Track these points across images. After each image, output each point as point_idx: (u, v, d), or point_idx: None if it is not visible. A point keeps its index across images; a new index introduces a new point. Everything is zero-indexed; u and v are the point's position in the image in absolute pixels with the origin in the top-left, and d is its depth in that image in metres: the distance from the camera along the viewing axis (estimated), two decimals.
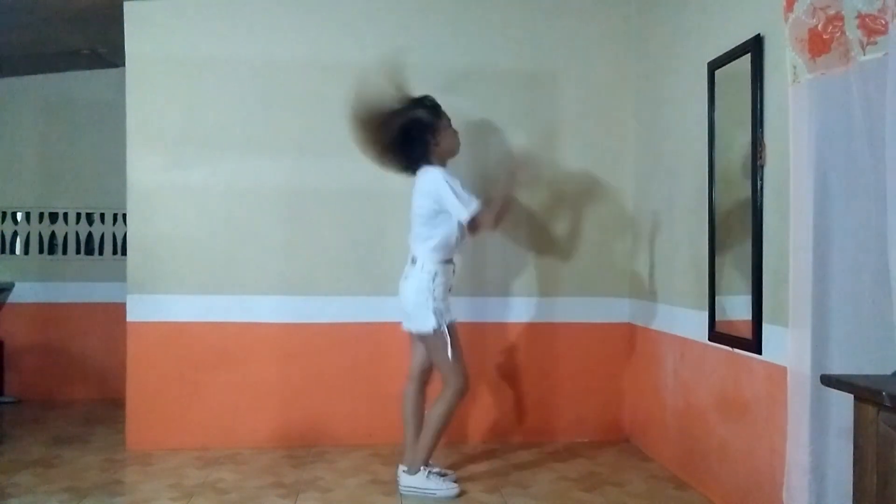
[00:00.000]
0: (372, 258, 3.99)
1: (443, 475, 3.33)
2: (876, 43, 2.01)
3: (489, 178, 4.05)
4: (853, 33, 2.06)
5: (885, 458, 1.61)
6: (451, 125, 3.34)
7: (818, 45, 2.20)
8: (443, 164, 3.30)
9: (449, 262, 3.29)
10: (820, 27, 2.19)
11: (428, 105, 3.29)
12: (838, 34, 2.13)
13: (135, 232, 3.94)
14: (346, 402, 4.02)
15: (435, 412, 3.25)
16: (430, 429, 3.25)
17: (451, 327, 3.25)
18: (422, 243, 3.25)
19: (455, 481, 3.31)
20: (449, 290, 3.28)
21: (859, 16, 2.04)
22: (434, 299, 3.18)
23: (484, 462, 3.75)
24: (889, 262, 1.90)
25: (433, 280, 3.20)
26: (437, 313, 3.18)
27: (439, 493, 3.24)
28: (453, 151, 3.34)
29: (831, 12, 2.15)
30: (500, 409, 4.13)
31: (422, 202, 3.24)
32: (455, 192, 3.14)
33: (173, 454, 3.80)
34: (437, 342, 3.20)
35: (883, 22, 1.98)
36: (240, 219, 3.98)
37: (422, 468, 3.27)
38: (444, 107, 4.01)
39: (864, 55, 2.04)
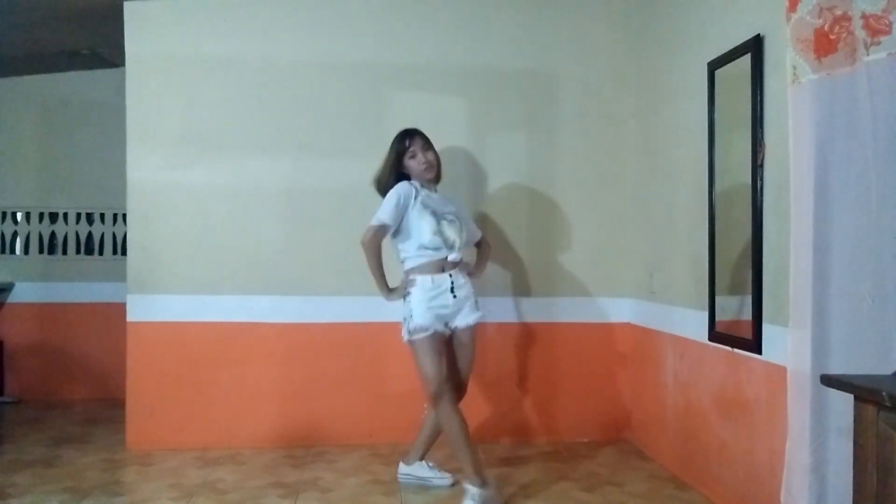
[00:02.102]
0: None
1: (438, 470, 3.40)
2: (880, 43, 2.01)
3: (488, 181, 4.06)
4: (860, 33, 2.06)
5: (885, 458, 1.61)
6: (410, 151, 3.30)
7: (824, 45, 2.19)
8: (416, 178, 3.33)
9: (421, 271, 3.24)
10: (826, 27, 2.18)
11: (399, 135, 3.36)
12: (845, 34, 2.12)
13: (135, 232, 3.94)
14: (346, 402, 4.02)
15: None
16: (450, 441, 3.22)
17: (436, 336, 3.20)
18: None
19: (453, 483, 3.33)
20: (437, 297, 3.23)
21: (863, 16, 2.04)
22: (409, 307, 3.22)
23: (484, 462, 3.74)
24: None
25: (408, 289, 3.24)
26: (406, 318, 3.22)
27: (435, 481, 3.37)
28: (417, 174, 3.32)
29: (838, 12, 2.14)
30: (499, 409, 4.13)
31: None
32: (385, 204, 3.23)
33: (173, 454, 3.80)
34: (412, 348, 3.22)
35: (887, 22, 1.98)
36: (240, 219, 3.98)
37: (466, 484, 3.11)
38: (444, 107, 4.04)
39: (868, 55, 2.04)
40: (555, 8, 4.16)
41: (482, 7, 4.12)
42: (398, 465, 3.47)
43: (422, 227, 3.21)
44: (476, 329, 3.35)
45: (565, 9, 4.17)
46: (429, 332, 3.17)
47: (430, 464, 3.45)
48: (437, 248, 3.23)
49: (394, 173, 3.31)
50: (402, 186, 3.24)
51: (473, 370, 3.41)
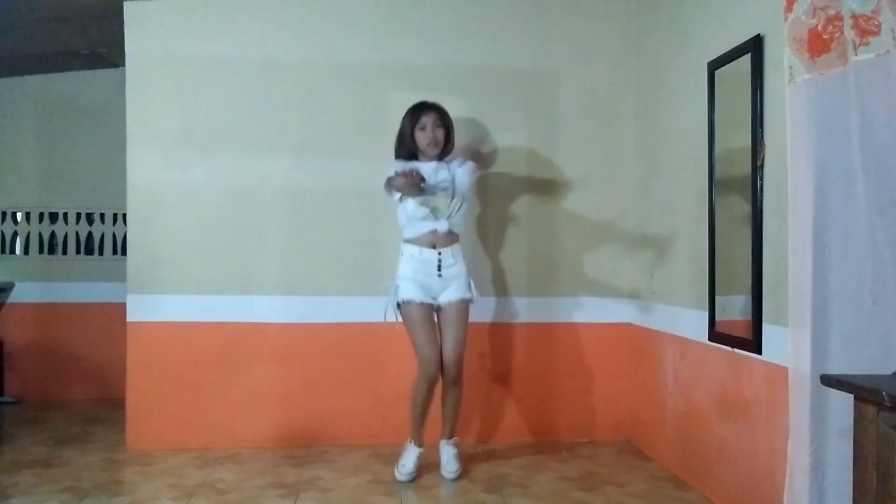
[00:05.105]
0: (372, 258, 3.98)
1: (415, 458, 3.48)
2: (868, 43, 2.01)
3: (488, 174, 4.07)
4: (849, 34, 2.06)
5: (885, 458, 1.61)
6: (420, 124, 3.46)
7: (818, 45, 2.20)
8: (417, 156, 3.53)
9: (412, 242, 3.44)
10: (820, 27, 2.19)
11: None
12: (838, 34, 2.13)
13: (135, 232, 3.94)
14: (346, 402, 4.02)
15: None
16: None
17: (422, 307, 3.39)
18: None
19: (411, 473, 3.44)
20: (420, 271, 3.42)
21: (853, 16, 2.04)
22: (396, 278, 3.45)
23: (484, 462, 3.75)
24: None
25: (399, 260, 3.48)
26: (392, 290, 3.44)
27: (442, 469, 3.50)
28: (422, 148, 3.48)
29: (831, 12, 2.15)
30: (500, 408, 4.13)
31: None
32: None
33: (173, 454, 3.80)
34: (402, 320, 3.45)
35: (876, 23, 1.98)
36: (240, 219, 3.98)
37: (408, 440, 3.50)
38: (444, 107, 4.05)
39: (857, 55, 2.04)
40: (555, 8, 4.16)
41: (482, 7, 4.12)
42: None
43: (408, 201, 3.40)
44: (464, 311, 3.46)
45: (565, 9, 4.17)
46: (416, 302, 3.37)
47: (454, 451, 3.50)
48: (423, 219, 3.39)
49: (405, 144, 3.48)
50: (396, 168, 3.43)
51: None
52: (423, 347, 3.38)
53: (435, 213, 3.40)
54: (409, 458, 3.45)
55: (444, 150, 3.51)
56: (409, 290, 3.39)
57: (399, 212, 3.48)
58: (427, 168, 3.43)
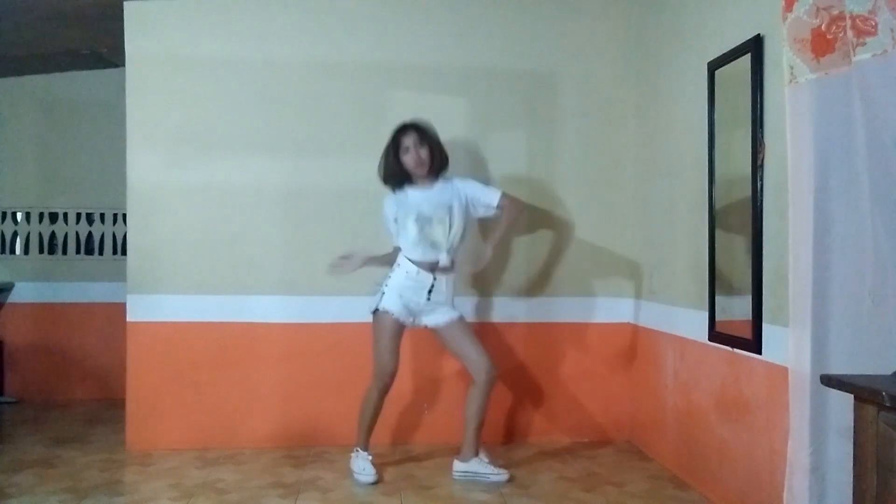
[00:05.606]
0: None
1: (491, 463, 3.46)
2: (865, 44, 2.01)
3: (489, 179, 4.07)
4: (850, 34, 2.07)
5: (885, 458, 1.61)
6: (403, 147, 3.42)
7: (822, 45, 2.20)
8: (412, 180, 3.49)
9: (413, 262, 3.40)
10: (823, 27, 2.18)
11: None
12: (841, 34, 2.13)
13: (135, 232, 3.94)
14: (346, 402, 3.99)
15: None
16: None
17: (397, 323, 3.39)
18: None
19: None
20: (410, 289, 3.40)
21: (851, 16, 2.04)
22: (385, 285, 3.41)
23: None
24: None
25: (394, 269, 3.44)
26: (378, 294, 3.41)
27: (492, 478, 3.39)
28: (411, 170, 3.44)
29: (835, 12, 2.15)
30: (499, 409, 4.12)
31: None
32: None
33: (173, 454, 3.80)
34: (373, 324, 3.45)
35: (873, 23, 1.98)
36: (240, 219, 3.97)
37: (355, 449, 3.49)
38: (444, 107, 4.04)
39: (855, 56, 2.04)
40: (555, 8, 4.15)
41: (482, 7, 4.12)
42: (452, 463, 3.49)
43: (406, 234, 3.39)
44: (462, 324, 3.48)
45: (565, 9, 4.16)
46: (392, 315, 3.36)
47: (486, 459, 3.45)
48: (424, 252, 3.37)
49: (393, 168, 3.44)
50: (386, 206, 3.47)
51: (466, 373, 3.42)
52: (384, 356, 3.38)
53: (435, 246, 3.38)
54: (365, 464, 3.42)
55: (437, 167, 3.45)
56: (391, 302, 3.37)
57: (400, 235, 3.43)
58: (422, 197, 3.41)
